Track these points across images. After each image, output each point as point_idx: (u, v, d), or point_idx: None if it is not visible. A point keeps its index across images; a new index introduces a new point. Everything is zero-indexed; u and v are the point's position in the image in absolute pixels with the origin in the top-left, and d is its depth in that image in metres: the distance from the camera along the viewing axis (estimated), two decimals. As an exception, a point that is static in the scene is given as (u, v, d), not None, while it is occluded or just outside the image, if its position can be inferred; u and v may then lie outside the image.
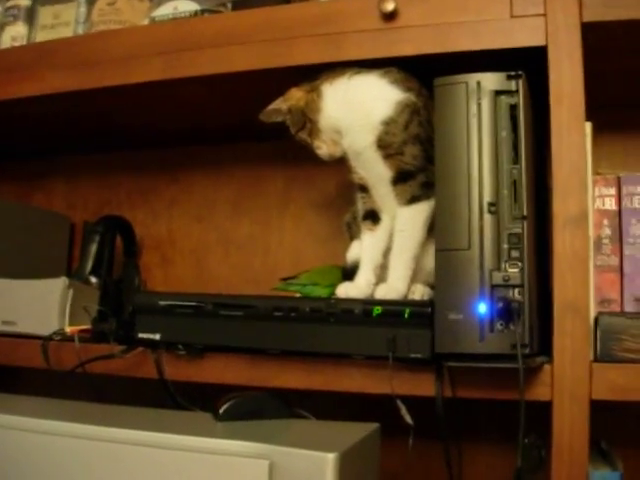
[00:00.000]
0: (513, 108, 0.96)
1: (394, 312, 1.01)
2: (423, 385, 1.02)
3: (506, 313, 0.90)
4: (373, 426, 0.95)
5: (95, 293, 1.37)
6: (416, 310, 0.99)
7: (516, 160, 0.95)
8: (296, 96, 1.18)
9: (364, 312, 1.02)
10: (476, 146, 0.94)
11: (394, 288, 1.11)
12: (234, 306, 1.10)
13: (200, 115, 1.43)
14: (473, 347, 0.92)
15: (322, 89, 1.13)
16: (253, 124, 1.25)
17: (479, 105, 0.96)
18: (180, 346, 1.14)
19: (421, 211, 1.08)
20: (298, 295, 1.25)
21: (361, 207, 1.17)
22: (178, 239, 1.65)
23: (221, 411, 0.94)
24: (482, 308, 0.91)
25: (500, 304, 0.90)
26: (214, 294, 1.16)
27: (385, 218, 1.15)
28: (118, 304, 1.39)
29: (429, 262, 1.08)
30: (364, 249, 1.15)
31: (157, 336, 1.14)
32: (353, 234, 1.26)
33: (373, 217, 1.15)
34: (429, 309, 0.98)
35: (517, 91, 0.96)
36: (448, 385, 1.00)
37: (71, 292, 1.25)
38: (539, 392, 0.97)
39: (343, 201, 1.41)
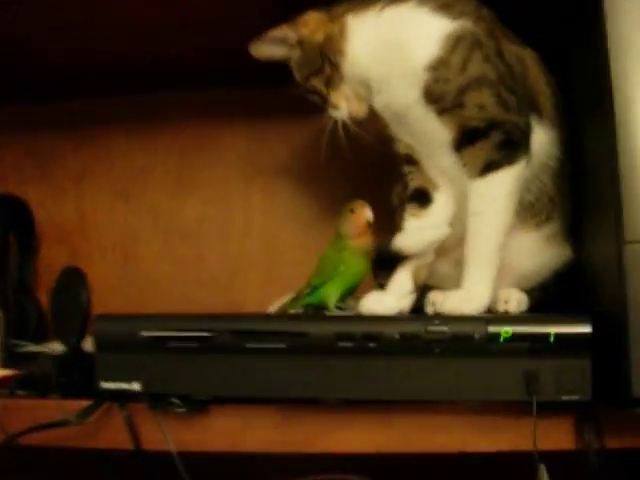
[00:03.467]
0: None
1: (533, 336, 0.78)
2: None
3: None
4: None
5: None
6: (567, 332, 0.78)
7: None
8: (312, 24, 0.97)
9: (488, 337, 0.78)
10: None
11: (472, 296, 0.88)
12: (270, 335, 0.82)
13: (125, 41, 1.15)
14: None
15: (347, 22, 0.94)
16: (205, 57, 1.11)
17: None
18: (175, 399, 0.85)
19: (502, 183, 0.88)
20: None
21: (408, 185, 0.99)
22: (95, 227, 1.39)
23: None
24: None
25: None
26: (232, 316, 0.89)
27: (439, 199, 0.96)
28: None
29: (524, 258, 0.95)
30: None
31: (136, 385, 0.84)
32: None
33: (421, 199, 0.97)
34: (589, 329, 0.77)
35: None
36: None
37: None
38: None
39: (335, 168, 1.25)
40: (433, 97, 0.89)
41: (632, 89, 0.74)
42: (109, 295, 1.32)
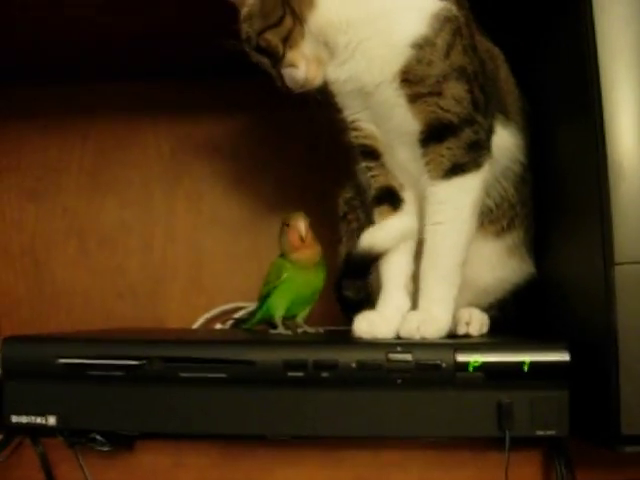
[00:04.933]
0: None
1: (506, 365, 0.71)
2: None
3: None
4: None
5: None
6: (543, 361, 0.70)
7: None
8: None
9: (456, 366, 0.70)
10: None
11: (432, 318, 0.79)
12: (209, 363, 0.72)
13: (42, 30, 1.01)
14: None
15: None
16: (127, 47, 0.99)
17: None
18: (97, 436, 0.75)
19: (467, 189, 0.80)
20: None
21: (371, 184, 0.88)
22: (1, 230, 1.25)
23: None
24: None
25: None
26: (164, 340, 0.77)
27: (409, 198, 0.86)
28: None
29: (483, 270, 0.86)
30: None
31: (51, 419, 0.73)
32: (351, 225, 0.95)
33: (391, 199, 0.86)
34: (567, 357, 0.70)
35: None
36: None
37: None
38: None
39: (265, 170, 1.19)
40: (412, 78, 0.79)
41: (621, 94, 0.66)
42: (16, 307, 1.21)
